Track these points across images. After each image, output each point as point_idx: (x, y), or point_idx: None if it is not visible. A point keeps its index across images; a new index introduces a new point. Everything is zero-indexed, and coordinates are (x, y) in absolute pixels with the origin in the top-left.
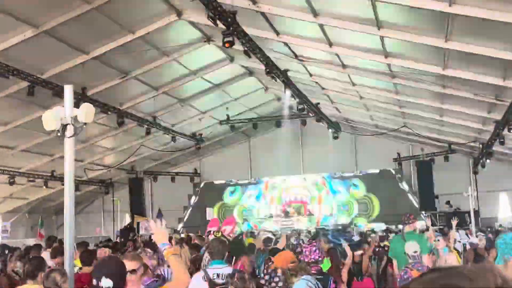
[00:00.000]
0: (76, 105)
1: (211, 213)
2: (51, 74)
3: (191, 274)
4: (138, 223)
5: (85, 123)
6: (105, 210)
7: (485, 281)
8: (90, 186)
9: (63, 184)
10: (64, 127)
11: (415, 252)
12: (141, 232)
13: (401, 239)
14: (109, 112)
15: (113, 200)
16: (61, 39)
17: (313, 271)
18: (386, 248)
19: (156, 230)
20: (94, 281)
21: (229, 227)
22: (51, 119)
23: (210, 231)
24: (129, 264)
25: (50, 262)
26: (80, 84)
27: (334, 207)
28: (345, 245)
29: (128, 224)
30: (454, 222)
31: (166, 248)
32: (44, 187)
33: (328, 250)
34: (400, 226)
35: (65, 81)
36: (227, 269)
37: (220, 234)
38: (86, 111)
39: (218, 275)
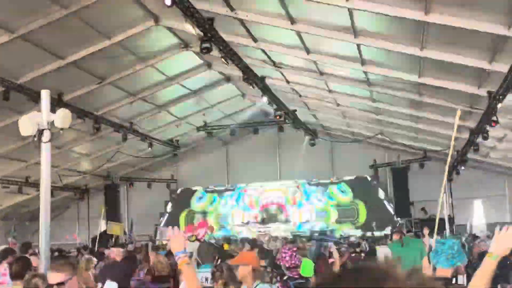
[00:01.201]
0: (52, 110)
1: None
2: (26, 79)
3: (172, 278)
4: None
5: (61, 128)
6: (80, 217)
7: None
8: (65, 192)
9: (37, 191)
10: (40, 132)
11: None
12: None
13: (399, 244)
14: (86, 118)
15: (88, 207)
16: (37, 44)
17: (295, 275)
18: (362, 254)
19: (173, 237)
20: (99, 285)
21: (202, 230)
22: (27, 124)
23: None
24: (54, 276)
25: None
26: (56, 89)
27: (312, 214)
28: (332, 245)
29: (103, 230)
30: (425, 231)
31: (181, 256)
32: (19, 193)
33: (317, 257)
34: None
35: (41, 86)
36: None
37: (194, 238)
38: (63, 116)
39: (206, 279)
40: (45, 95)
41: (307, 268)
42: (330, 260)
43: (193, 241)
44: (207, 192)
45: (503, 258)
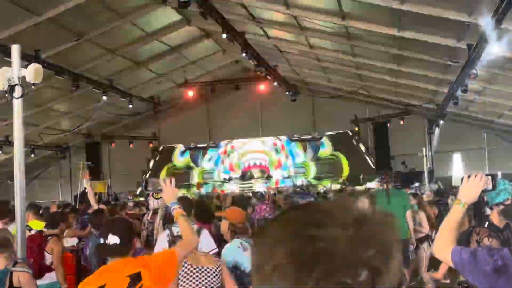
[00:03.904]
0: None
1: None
2: (3, 36)
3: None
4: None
5: (33, 84)
6: (62, 176)
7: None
8: (46, 151)
9: None
10: (12, 88)
11: None
12: (149, 188)
13: (385, 196)
14: (64, 75)
15: (70, 165)
16: (13, 1)
17: None
18: None
19: (166, 188)
20: (101, 240)
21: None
22: None
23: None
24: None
25: None
26: (33, 46)
27: (291, 169)
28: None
29: (85, 188)
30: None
31: (176, 207)
32: (0, 152)
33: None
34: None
35: (18, 43)
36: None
37: (158, 195)
38: (34, 72)
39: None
40: (15, 50)
41: None
42: None
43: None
44: (189, 149)
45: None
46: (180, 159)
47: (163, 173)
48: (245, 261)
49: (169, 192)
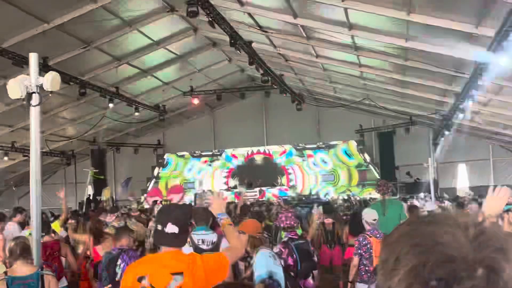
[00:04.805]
0: (38, 74)
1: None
2: (11, 44)
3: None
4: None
5: (50, 92)
6: (67, 182)
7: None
8: (51, 157)
9: (24, 155)
10: (29, 95)
11: (374, 220)
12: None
13: (380, 207)
14: (71, 83)
15: (75, 171)
16: (22, 8)
17: (293, 236)
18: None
19: (214, 199)
20: (159, 226)
21: (177, 196)
22: (16, 87)
23: (156, 200)
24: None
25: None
26: (41, 54)
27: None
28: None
29: (89, 195)
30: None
31: (224, 218)
32: (5, 158)
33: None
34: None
35: (25, 50)
36: (211, 236)
37: (168, 202)
38: (52, 79)
39: (203, 241)
40: (33, 58)
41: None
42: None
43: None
44: (193, 156)
45: None
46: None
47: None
48: (278, 270)
49: (218, 204)
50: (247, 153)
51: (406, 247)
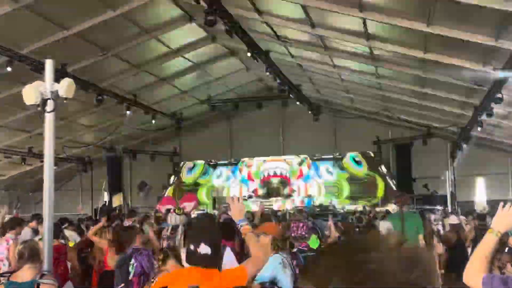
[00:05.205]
0: (56, 81)
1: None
2: (30, 50)
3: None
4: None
5: (65, 98)
6: (83, 188)
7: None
8: (68, 163)
9: (41, 161)
10: (44, 101)
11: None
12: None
13: (399, 219)
14: (89, 90)
15: (92, 178)
16: (41, 14)
17: (303, 247)
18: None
19: (234, 205)
20: (192, 246)
21: (190, 204)
22: (31, 93)
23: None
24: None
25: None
26: (60, 60)
27: (322, 188)
28: (330, 221)
29: (105, 201)
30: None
31: (243, 225)
32: (22, 163)
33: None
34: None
35: (44, 56)
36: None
37: (181, 211)
38: (67, 86)
39: None
40: (49, 64)
41: (315, 241)
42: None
43: (180, 214)
44: (209, 165)
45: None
46: (187, 176)
47: (170, 190)
48: (283, 278)
49: (237, 210)
50: (263, 175)
51: (338, 281)
